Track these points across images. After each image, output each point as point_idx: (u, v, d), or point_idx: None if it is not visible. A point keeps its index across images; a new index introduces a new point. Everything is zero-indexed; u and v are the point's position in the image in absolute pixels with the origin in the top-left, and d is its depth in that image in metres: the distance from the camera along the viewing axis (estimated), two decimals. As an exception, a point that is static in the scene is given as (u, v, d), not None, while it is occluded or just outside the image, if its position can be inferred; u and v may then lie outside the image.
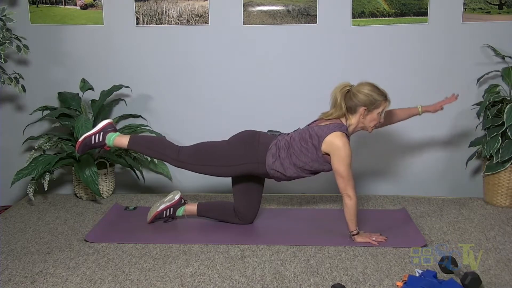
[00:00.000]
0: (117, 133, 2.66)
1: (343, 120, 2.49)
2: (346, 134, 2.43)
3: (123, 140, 2.63)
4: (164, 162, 3.31)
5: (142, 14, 3.25)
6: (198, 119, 3.36)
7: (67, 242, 2.54)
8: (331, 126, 2.44)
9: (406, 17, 3.16)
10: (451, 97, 2.80)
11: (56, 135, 3.18)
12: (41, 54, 3.30)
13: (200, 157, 2.58)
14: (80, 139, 2.63)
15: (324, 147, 2.42)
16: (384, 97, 2.46)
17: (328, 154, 2.43)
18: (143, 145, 2.65)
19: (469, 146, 3.15)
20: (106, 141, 2.63)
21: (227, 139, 2.64)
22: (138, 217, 2.86)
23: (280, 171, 2.51)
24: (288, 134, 2.59)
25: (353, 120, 2.48)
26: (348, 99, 2.46)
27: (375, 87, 2.46)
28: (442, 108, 2.80)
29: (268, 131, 2.66)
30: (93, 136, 2.62)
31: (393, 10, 3.16)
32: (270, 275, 2.16)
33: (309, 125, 2.57)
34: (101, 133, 2.63)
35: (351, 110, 2.47)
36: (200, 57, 3.29)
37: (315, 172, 2.54)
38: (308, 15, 3.20)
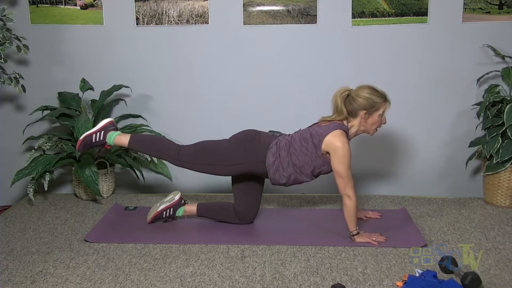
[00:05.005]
0: (118, 132, 2.66)
1: (345, 123, 2.50)
2: (346, 134, 2.44)
3: (123, 139, 2.63)
4: (164, 162, 3.32)
5: (142, 14, 3.24)
6: (198, 119, 3.36)
7: (67, 242, 2.54)
8: (332, 125, 2.45)
9: (406, 17, 3.16)
10: (375, 213, 2.85)
11: (56, 135, 3.18)
12: (41, 54, 3.30)
13: (201, 156, 2.58)
14: (81, 138, 2.63)
15: (324, 146, 2.42)
16: (384, 98, 2.46)
17: (328, 153, 2.43)
18: (143, 144, 2.65)
19: (469, 146, 3.15)
20: (107, 140, 2.63)
21: (227, 138, 2.64)
22: (138, 217, 2.86)
23: (279, 171, 2.51)
24: (289, 134, 2.59)
25: (354, 123, 2.49)
26: (348, 104, 2.47)
27: (373, 89, 2.46)
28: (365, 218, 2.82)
29: (270, 131, 2.67)
30: (94, 135, 2.62)
31: (393, 10, 3.16)
32: (270, 275, 2.16)
33: (310, 126, 2.58)
34: (102, 132, 2.63)
35: (352, 114, 2.48)
36: (200, 57, 3.29)
37: (314, 174, 2.54)
38: (308, 15, 3.20)
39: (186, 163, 2.60)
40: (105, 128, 2.63)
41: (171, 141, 2.70)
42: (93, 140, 2.62)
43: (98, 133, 2.62)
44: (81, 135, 2.68)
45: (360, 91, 2.46)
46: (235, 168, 2.56)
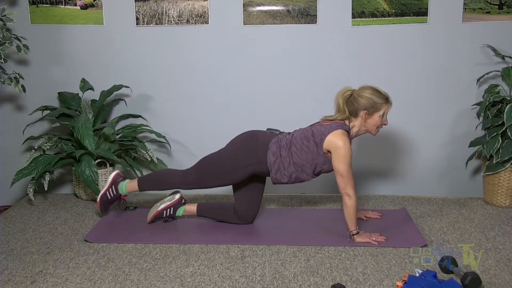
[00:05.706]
0: (127, 180, 2.80)
1: (347, 122, 2.50)
2: (348, 133, 2.44)
3: (133, 185, 2.77)
4: (165, 162, 3.32)
5: (142, 14, 3.24)
6: (198, 119, 3.36)
7: (67, 242, 2.55)
8: (334, 125, 2.46)
9: (406, 17, 3.16)
10: (375, 213, 2.85)
11: (56, 135, 3.18)
12: (41, 54, 3.29)
13: (205, 173, 2.64)
14: (98, 200, 2.78)
15: (325, 145, 2.43)
16: (385, 99, 2.46)
17: (329, 152, 2.43)
18: (151, 183, 2.78)
19: (469, 146, 3.15)
20: (120, 192, 2.78)
21: (225, 145, 2.66)
22: (138, 217, 2.86)
23: (281, 170, 2.51)
24: (290, 133, 2.60)
25: (356, 123, 2.50)
26: (350, 104, 2.48)
27: (375, 90, 2.47)
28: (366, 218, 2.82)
29: (268, 129, 2.67)
30: (107, 193, 2.77)
31: (393, 10, 3.16)
32: (270, 275, 2.16)
33: (312, 125, 2.58)
34: (113, 187, 2.77)
35: (353, 114, 2.49)
36: (200, 57, 3.29)
37: (315, 172, 2.54)
38: (308, 15, 3.19)
39: (195, 184, 2.68)
40: (115, 182, 2.78)
41: (174, 170, 2.81)
42: (109, 197, 2.78)
43: (110, 190, 2.78)
44: (96, 196, 2.81)
45: (362, 91, 2.47)
46: (240, 173, 2.57)
